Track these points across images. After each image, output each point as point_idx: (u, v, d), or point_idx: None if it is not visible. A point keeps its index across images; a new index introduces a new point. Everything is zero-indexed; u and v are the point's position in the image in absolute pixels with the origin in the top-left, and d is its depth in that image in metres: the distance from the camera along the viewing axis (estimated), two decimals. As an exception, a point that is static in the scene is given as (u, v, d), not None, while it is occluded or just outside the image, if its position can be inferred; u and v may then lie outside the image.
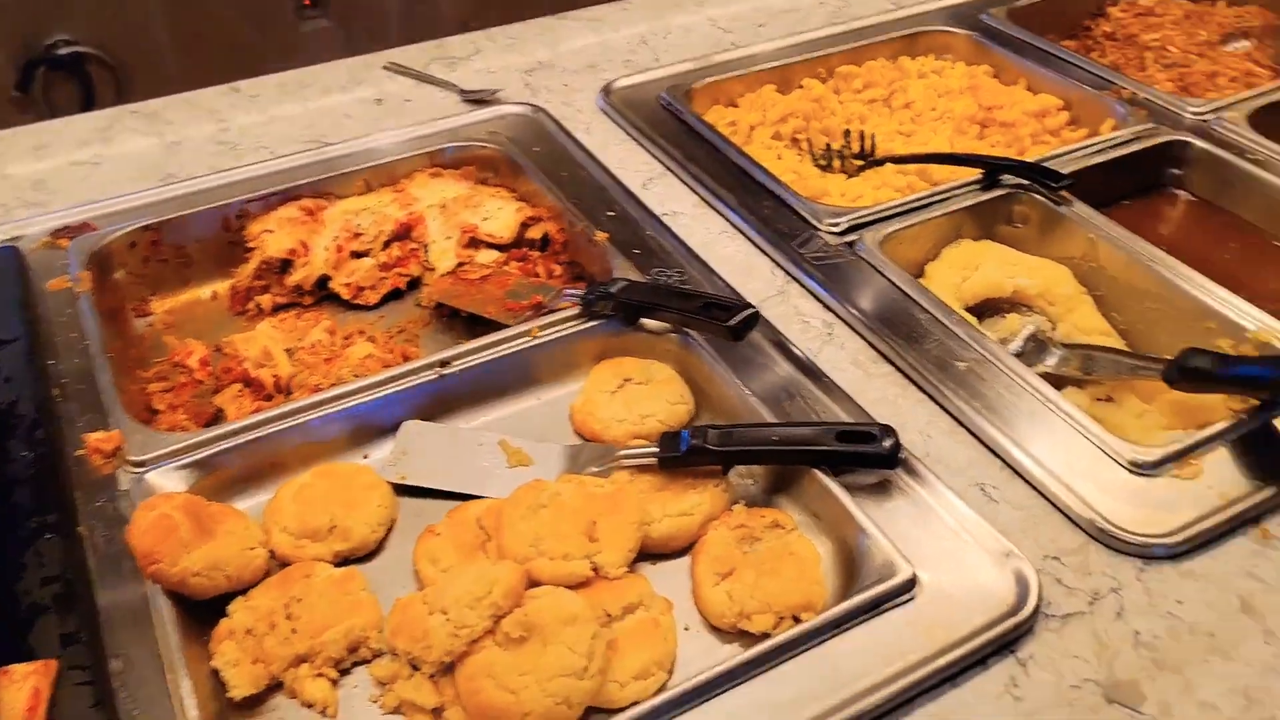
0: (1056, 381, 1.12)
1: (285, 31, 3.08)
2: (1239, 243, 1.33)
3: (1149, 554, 0.87)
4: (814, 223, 1.26)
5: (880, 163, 1.45)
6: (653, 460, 0.95)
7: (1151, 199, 1.41)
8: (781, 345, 1.09)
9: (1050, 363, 1.16)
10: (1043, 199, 1.27)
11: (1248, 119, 1.40)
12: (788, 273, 1.21)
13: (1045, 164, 1.33)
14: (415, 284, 1.32)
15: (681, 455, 0.94)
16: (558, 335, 1.11)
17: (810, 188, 1.39)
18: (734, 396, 1.03)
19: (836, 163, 1.49)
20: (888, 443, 0.92)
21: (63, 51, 2.48)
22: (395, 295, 1.31)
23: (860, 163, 1.47)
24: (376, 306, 1.30)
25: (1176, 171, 1.40)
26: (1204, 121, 1.42)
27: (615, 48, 1.69)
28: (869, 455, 0.92)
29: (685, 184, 1.37)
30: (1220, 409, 1.02)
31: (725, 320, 1.01)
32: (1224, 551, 0.88)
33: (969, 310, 1.25)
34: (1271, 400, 0.97)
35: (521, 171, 1.38)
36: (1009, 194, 1.30)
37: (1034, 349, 1.18)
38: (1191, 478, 0.93)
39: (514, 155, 1.40)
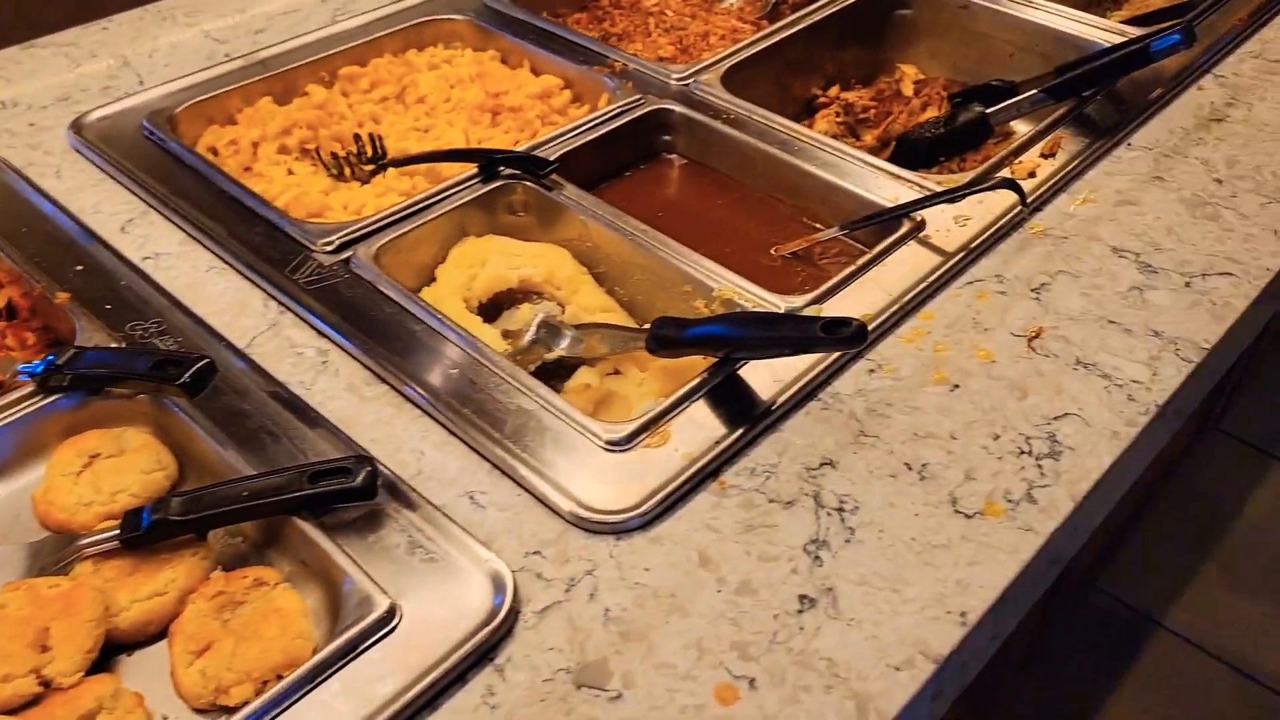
0: (574, 364, 1.16)
1: None
2: (725, 199, 1.42)
3: (622, 529, 0.92)
4: (307, 244, 1.21)
5: (390, 165, 1.42)
6: (117, 544, 0.88)
7: (651, 167, 1.49)
8: (266, 386, 1.04)
9: (564, 345, 1.19)
10: (535, 186, 1.30)
11: (721, 80, 1.50)
12: (281, 303, 1.15)
13: (536, 149, 1.36)
14: None
15: (144, 533, 0.87)
16: (12, 418, 1.00)
17: (312, 204, 1.34)
18: (213, 453, 0.97)
19: (348, 170, 1.44)
20: (361, 475, 0.90)
21: None
22: None
23: (371, 168, 1.44)
24: None
25: (667, 138, 1.48)
26: (686, 86, 1.50)
27: (93, 75, 1.54)
28: (344, 491, 0.90)
29: (171, 221, 1.27)
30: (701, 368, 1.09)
31: (176, 378, 0.94)
32: (687, 510, 0.94)
33: (483, 307, 1.26)
34: (727, 356, 1.04)
35: (-26, 235, 1.22)
36: (504, 185, 1.31)
37: (547, 335, 1.20)
38: (660, 444, 0.99)
39: (-39, 217, 1.24)
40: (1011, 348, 1.09)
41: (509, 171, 1.31)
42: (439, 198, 1.28)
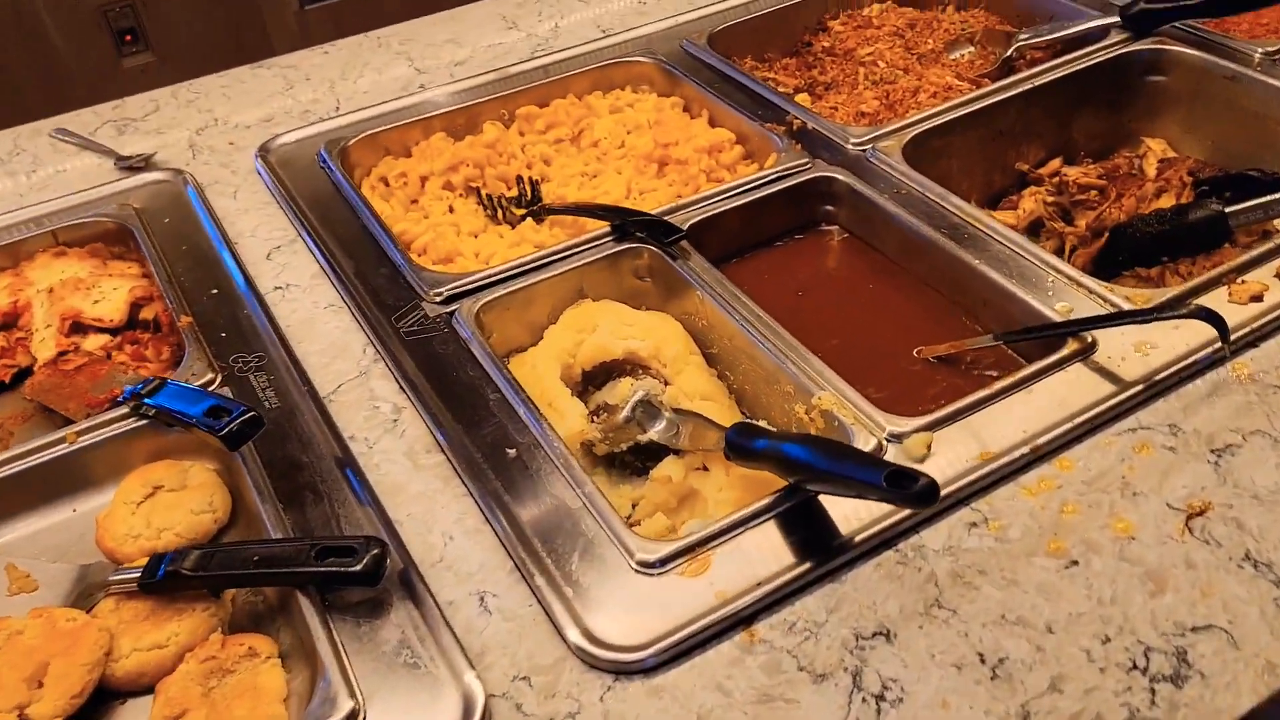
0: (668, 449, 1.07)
1: (107, 68, 3.00)
2: (879, 283, 1.27)
3: (624, 669, 0.82)
4: (420, 292, 1.20)
5: (541, 213, 1.39)
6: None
7: (809, 237, 1.36)
8: (330, 441, 1.03)
9: (658, 429, 1.10)
10: (660, 252, 1.21)
11: (904, 148, 1.34)
12: (378, 351, 1.14)
13: (686, 209, 1.28)
14: (27, 374, 1.25)
15: (157, 582, 0.88)
16: (104, 437, 1.05)
17: (446, 248, 1.33)
18: (254, 503, 0.97)
19: (500, 213, 1.42)
20: (365, 559, 0.86)
21: None
22: (7, 384, 1.24)
23: (521, 213, 1.41)
24: (-14, 400, 1.23)
25: (829, 208, 1.35)
26: (862, 153, 1.36)
27: (300, 99, 1.62)
28: (346, 574, 0.86)
29: (312, 252, 1.30)
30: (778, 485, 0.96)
31: (219, 429, 0.95)
32: (703, 661, 0.82)
33: (591, 374, 1.19)
34: (798, 483, 0.91)
35: (141, 247, 1.31)
36: (633, 248, 1.23)
37: (644, 415, 1.11)
38: (698, 574, 0.87)
39: (135, 229, 1.33)
40: (1161, 524, 0.88)
41: (639, 235, 1.24)
42: (566, 254, 1.23)
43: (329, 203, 1.37)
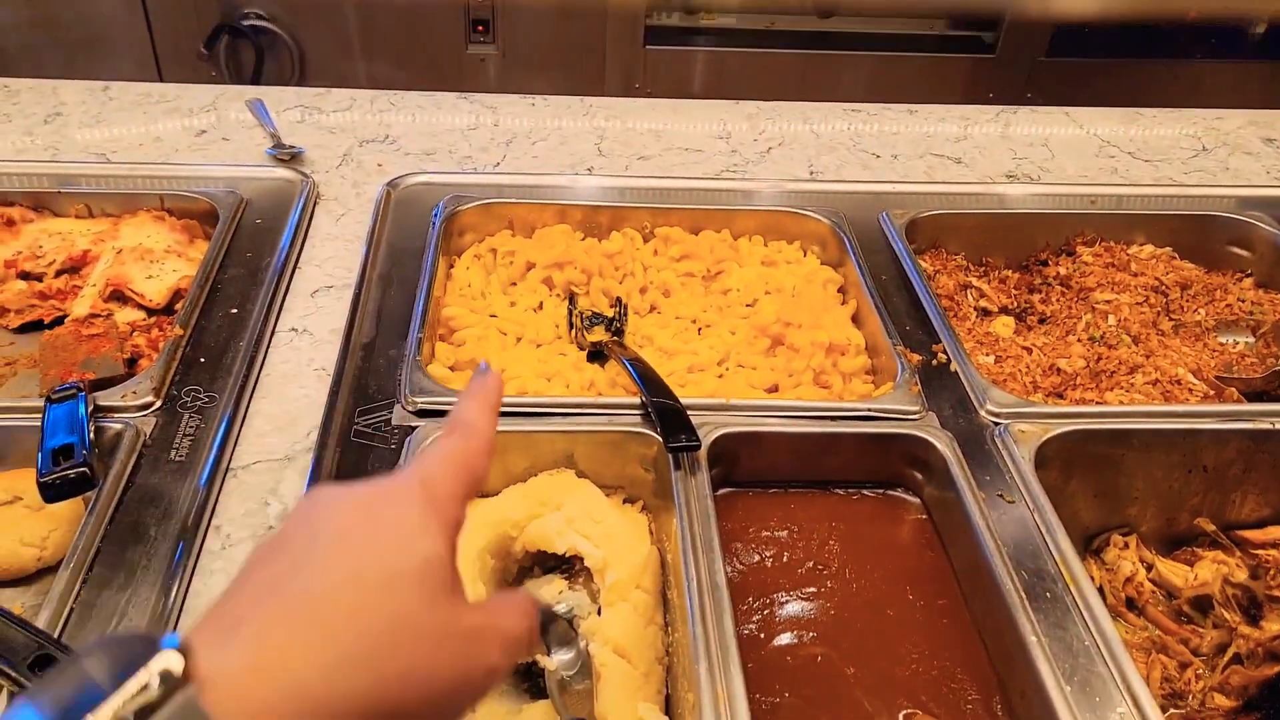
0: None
1: (454, 52, 3.17)
2: (920, 605, 0.96)
3: None
4: (402, 394, 1.06)
5: (609, 349, 1.21)
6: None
7: (881, 498, 1.07)
8: (188, 522, 0.91)
9: (563, 659, 0.89)
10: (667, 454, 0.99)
11: (1039, 447, 1.02)
12: (324, 438, 1.01)
13: (723, 410, 1.05)
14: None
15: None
16: (10, 423, 1.00)
17: (479, 350, 1.18)
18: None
19: (571, 332, 1.26)
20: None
21: (249, 23, 2.66)
22: (47, 325, 1.25)
23: (595, 339, 1.23)
24: (20, 331, 1.25)
25: (918, 475, 1.05)
26: (995, 424, 1.06)
27: (472, 142, 1.54)
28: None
29: (349, 305, 1.20)
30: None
31: (43, 475, 0.85)
32: None
33: (527, 553, 1.00)
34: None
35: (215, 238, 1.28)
36: (648, 435, 1.02)
37: (555, 636, 0.91)
38: None
39: (224, 218, 1.30)
40: None
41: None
42: (581, 411, 1.04)
43: (408, 260, 1.27)
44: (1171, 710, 0.98)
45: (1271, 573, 1.06)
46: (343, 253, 1.29)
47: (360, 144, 1.52)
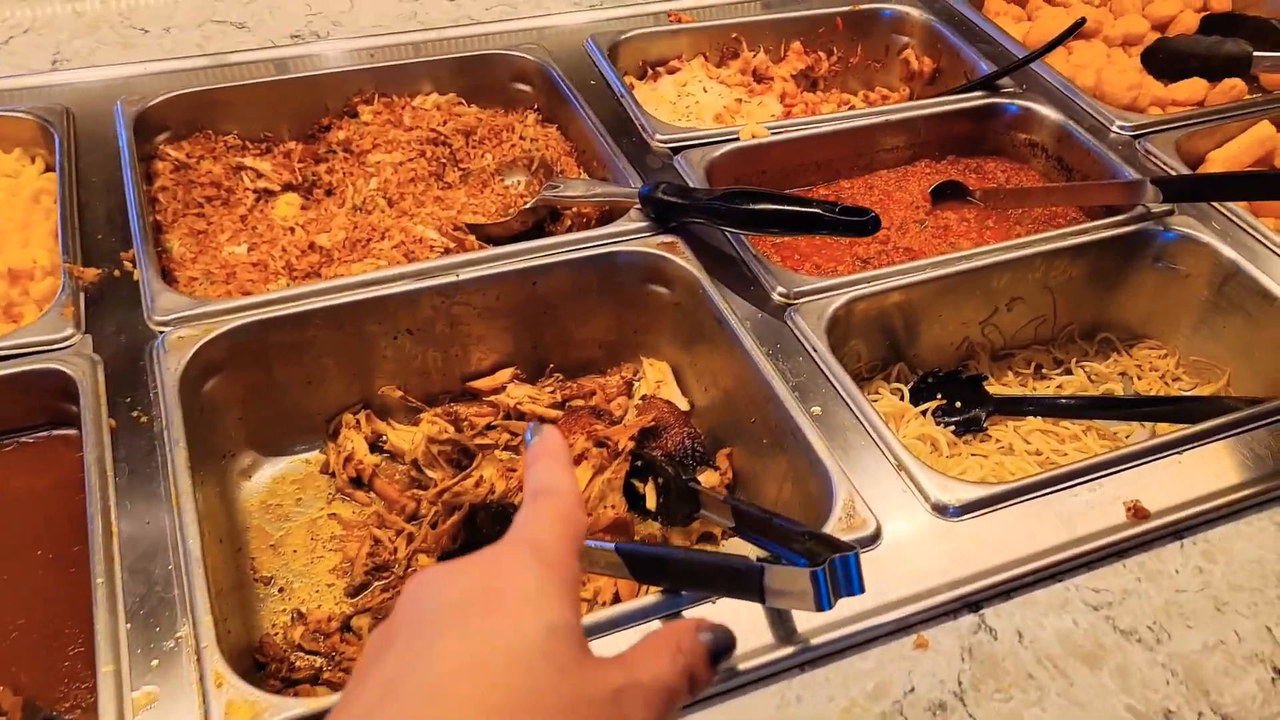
0: None
1: None
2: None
3: None
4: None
5: None
6: None
7: (43, 443, 0.97)
8: None
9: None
10: None
11: (190, 358, 0.95)
12: None
13: None
14: None
15: None
16: None
17: None
18: None
19: None
20: None
21: None
22: None
23: None
24: None
25: (75, 409, 0.96)
26: (159, 335, 0.97)
27: None
28: None
29: None
30: None
31: None
32: None
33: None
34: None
35: None
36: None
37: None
38: None
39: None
40: None
41: None
42: None
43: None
44: (375, 584, 0.98)
45: (470, 421, 1.08)
46: None
47: None
